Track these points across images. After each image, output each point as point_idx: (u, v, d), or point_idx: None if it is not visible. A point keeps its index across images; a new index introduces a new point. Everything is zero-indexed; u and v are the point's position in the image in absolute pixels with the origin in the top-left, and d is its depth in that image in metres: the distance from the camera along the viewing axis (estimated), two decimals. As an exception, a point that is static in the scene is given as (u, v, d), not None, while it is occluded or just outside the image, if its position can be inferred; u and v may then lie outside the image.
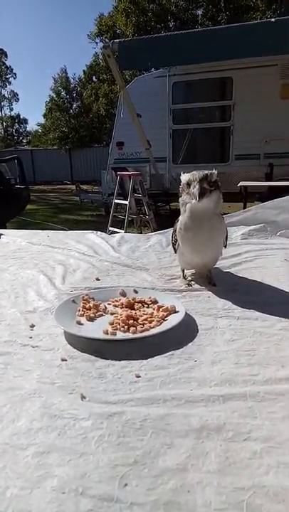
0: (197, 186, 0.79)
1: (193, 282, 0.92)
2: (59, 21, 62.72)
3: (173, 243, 0.96)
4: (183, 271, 0.96)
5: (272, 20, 4.60)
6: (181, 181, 0.85)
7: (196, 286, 0.90)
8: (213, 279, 0.91)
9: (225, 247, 0.95)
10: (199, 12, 18.06)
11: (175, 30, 15.95)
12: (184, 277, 0.94)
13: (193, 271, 0.98)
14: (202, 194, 0.78)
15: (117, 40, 5.20)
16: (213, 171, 0.83)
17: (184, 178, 0.84)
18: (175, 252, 0.97)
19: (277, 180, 5.54)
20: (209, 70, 6.26)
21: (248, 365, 0.56)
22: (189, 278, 0.95)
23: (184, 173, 0.85)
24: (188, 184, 0.82)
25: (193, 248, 0.88)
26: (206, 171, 0.81)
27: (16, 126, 33.36)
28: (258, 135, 6.15)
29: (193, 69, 6.28)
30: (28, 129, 34.22)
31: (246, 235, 1.35)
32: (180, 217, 0.89)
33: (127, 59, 5.10)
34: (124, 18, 17.67)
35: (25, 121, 33.72)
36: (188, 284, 0.90)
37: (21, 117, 33.43)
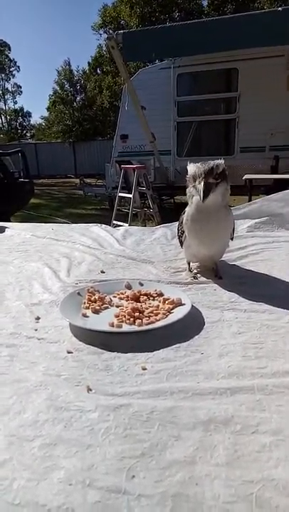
0: (202, 183, 0.77)
1: (199, 275, 0.91)
2: (62, 13, 62.19)
3: (179, 236, 0.96)
4: (189, 263, 0.95)
5: (279, 9, 4.52)
6: (187, 172, 0.84)
7: (202, 279, 0.90)
8: (220, 272, 0.90)
9: (232, 239, 0.94)
10: (204, 2, 17.82)
11: (180, 20, 15.73)
12: (190, 270, 0.94)
13: (198, 264, 0.97)
14: (207, 191, 0.77)
15: (121, 32, 5.14)
16: (220, 161, 0.81)
17: (190, 170, 0.82)
18: (181, 245, 0.96)
19: (282, 172, 5.49)
20: (214, 61, 6.18)
21: (255, 358, 0.55)
22: (195, 271, 0.94)
23: (190, 163, 0.83)
24: (194, 178, 0.81)
25: (200, 240, 0.88)
26: (212, 163, 0.80)
27: (20, 119, 33.28)
28: (264, 127, 6.09)
29: (198, 60, 6.20)
30: (31, 122, 34.16)
31: (252, 228, 1.34)
32: (187, 209, 0.88)
33: (131, 50, 5.04)
34: (129, 9, 17.48)
35: (29, 114, 33.62)
36: (193, 277, 0.90)
37: (25, 111, 33.36)
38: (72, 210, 7.95)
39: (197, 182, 0.79)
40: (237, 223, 1.39)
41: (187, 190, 0.85)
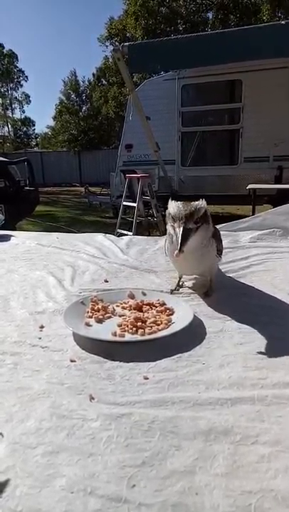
0: (181, 229, 0.72)
1: (178, 288, 0.90)
2: (69, 25, 63.47)
3: (166, 251, 0.90)
4: (180, 277, 0.92)
5: (283, 22, 4.57)
6: (168, 211, 0.78)
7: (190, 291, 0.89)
8: (212, 289, 0.87)
9: (220, 255, 0.89)
10: (209, 15, 18.08)
11: (184, 33, 15.94)
12: (179, 284, 0.91)
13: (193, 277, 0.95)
14: (185, 239, 0.71)
15: (127, 44, 5.21)
16: (202, 203, 0.77)
17: (171, 210, 0.77)
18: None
19: (286, 183, 5.51)
20: (218, 73, 6.25)
21: (256, 368, 0.56)
22: (186, 284, 0.93)
23: (171, 201, 0.79)
24: (174, 219, 0.76)
25: (180, 271, 0.91)
26: (194, 206, 0.75)
27: (25, 128, 33.70)
28: (268, 138, 6.12)
29: (203, 72, 6.27)
30: (37, 131, 34.62)
31: (255, 239, 1.35)
32: (167, 241, 0.85)
33: (136, 62, 5.11)
34: (134, 22, 17.74)
35: (33, 123, 34.08)
36: (175, 290, 0.89)
37: (30, 119, 33.83)
38: (76, 218, 8.00)
39: (176, 225, 0.74)
40: (240, 234, 1.40)
41: (167, 226, 0.81)
